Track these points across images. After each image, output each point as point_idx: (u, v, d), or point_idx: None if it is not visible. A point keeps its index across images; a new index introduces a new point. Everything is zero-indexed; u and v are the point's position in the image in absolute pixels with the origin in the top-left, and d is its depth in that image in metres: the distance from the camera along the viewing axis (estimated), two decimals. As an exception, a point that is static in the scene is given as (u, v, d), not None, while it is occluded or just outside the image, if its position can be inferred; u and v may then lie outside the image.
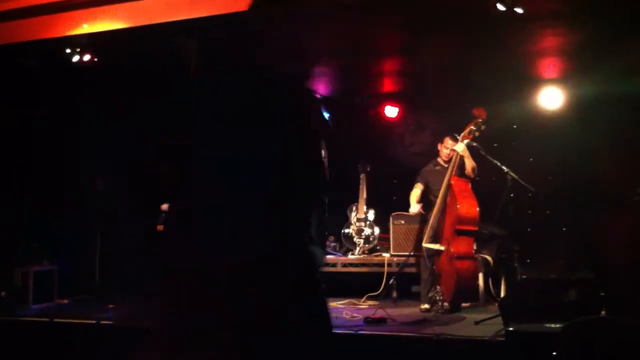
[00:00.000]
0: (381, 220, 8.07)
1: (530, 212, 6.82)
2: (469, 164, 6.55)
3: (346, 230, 8.08)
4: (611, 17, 5.91)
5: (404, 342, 5.00)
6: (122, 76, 6.81)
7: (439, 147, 6.92)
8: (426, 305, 6.52)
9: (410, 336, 5.09)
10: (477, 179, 6.60)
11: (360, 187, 8.16)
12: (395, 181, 8.19)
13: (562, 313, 4.31)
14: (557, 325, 3.95)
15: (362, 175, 8.19)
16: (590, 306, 4.39)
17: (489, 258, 6.92)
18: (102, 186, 7.94)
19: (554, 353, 3.47)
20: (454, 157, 6.57)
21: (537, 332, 4.00)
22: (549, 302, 4.58)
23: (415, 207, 6.94)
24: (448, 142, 6.79)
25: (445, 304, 6.34)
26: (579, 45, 6.65)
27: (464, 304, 6.61)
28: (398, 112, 8.63)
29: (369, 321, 5.81)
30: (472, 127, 6.54)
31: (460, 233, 6.38)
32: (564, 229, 6.86)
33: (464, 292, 6.44)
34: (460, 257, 6.32)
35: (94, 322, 5.95)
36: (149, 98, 7.26)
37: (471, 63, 7.00)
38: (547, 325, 4.04)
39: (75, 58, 6.72)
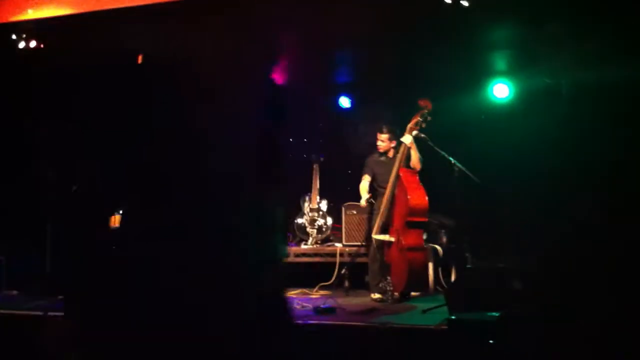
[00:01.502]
0: (334, 211, 8.11)
1: (477, 203, 6.90)
2: (415, 155, 6.60)
3: (299, 221, 8.09)
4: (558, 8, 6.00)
5: (350, 331, 5.04)
6: (69, 64, 6.70)
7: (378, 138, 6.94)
8: (377, 295, 6.57)
9: (356, 325, 5.13)
10: (422, 170, 6.65)
11: (313, 177, 8.18)
12: (349, 171, 8.21)
13: (505, 302, 4.38)
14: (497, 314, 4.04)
15: (315, 166, 8.21)
16: (531, 295, 4.47)
17: (438, 248, 7.00)
18: (54, 177, 7.80)
19: (491, 341, 3.53)
20: (401, 149, 6.61)
21: (478, 320, 4.06)
22: (492, 291, 4.65)
23: (365, 198, 6.97)
24: (381, 135, 6.84)
25: (396, 293, 6.41)
26: (528, 37, 6.74)
27: (414, 293, 6.68)
28: (351, 103, 8.67)
29: (318, 311, 5.84)
30: (418, 118, 6.57)
31: (410, 225, 6.42)
32: (513, 220, 6.96)
33: (415, 282, 6.50)
34: (411, 249, 6.37)
35: (41, 313, 5.85)
36: (95, 88, 7.22)
37: (422, 55, 7.05)
38: (489, 314, 4.10)
39: (21, 44, 6.60)
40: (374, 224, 6.71)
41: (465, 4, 5.33)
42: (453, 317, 4.39)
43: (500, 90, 7.69)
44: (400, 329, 4.90)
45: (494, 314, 4.05)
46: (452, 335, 4.25)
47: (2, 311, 5.95)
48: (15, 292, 7.38)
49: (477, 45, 7.04)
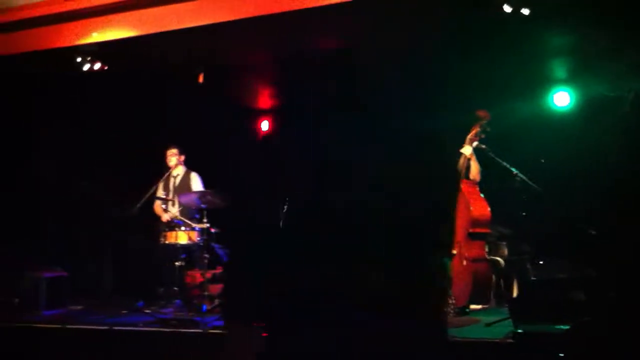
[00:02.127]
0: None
1: (538, 213, 6.77)
2: (475, 166, 6.52)
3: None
4: (617, 15, 5.89)
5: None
6: (131, 83, 6.89)
7: None
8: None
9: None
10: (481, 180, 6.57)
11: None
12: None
13: (571, 314, 4.29)
14: (565, 326, 3.95)
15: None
16: (598, 306, 4.36)
17: (499, 260, 6.89)
18: (115, 194, 8.00)
19: (561, 355, 3.46)
20: (461, 160, 6.54)
21: (545, 333, 3.98)
22: (558, 303, 4.56)
23: None
24: None
25: (457, 306, 6.32)
26: (586, 44, 6.63)
27: (475, 306, 6.58)
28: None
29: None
30: (477, 129, 6.51)
31: (473, 236, 6.34)
32: (575, 229, 6.80)
33: (478, 294, 6.40)
34: (475, 260, 6.28)
35: (106, 328, 5.98)
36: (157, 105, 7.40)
37: (482, 64, 6.98)
38: (556, 326, 4.02)
39: (86, 67, 6.80)
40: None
41: (526, 12, 5.26)
42: (519, 331, 4.31)
43: (561, 99, 7.56)
44: (464, 342, 4.81)
45: (561, 326, 3.97)
46: (519, 349, 4.17)
47: (70, 326, 6.08)
48: (79, 307, 7.54)
49: (537, 53, 6.94)
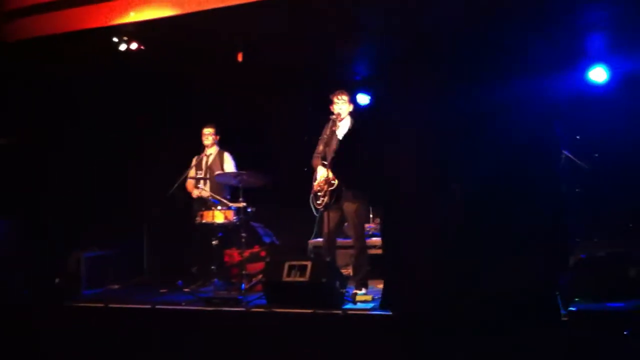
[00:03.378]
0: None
1: (578, 189, 6.71)
2: None
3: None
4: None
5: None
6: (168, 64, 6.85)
7: None
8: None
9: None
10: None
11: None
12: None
13: (625, 291, 4.27)
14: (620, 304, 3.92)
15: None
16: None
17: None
18: (150, 174, 8.02)
19: (625, 332, 3.43)
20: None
21: (606, 311, 3.95)
22: (610, 280, 4.53)
23: None
24: None
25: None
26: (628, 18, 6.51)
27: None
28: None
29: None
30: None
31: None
32: (616, 206, 6.75)
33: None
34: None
35: (149, 307, 6.01)
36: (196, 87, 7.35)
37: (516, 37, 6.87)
38: (613, 304, 3.99)
39: (122, 47, 6.77)
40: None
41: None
42: (574, 309, 4.28)
43: (598, 75, 7.46)
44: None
45: (619, 303, 3.94)
46: (575, 326, 4.14)
47: (113, 305, 6.12)
48: (117, 286, 7.60)
49: (574, 27, 6.82)
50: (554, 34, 6.88)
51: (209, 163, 7.45)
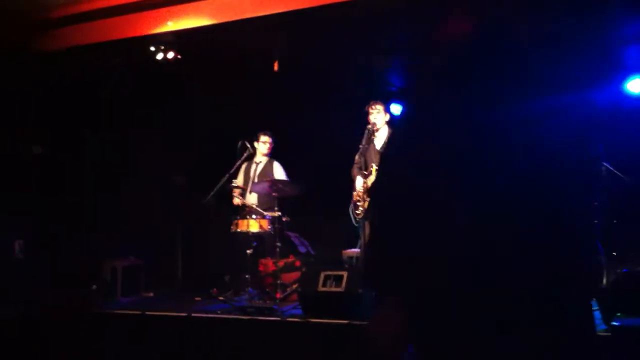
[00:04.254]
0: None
1: (623, 204, 6.58)
2: None
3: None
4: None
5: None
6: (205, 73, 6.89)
7: None
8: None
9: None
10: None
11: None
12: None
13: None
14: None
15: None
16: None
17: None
18: (183, 183, 8.06)
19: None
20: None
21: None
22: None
23: None
24: None
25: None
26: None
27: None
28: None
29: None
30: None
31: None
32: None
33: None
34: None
35: (185, 315, 6.03)
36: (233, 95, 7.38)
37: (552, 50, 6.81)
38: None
39: (159, 56, 6.84)
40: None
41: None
42: (617, 324, 4.21)
43: (636, 86, 7.36)
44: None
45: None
46: (618, 342, 4.08)
47: (150, 312, 6.15)
48: (151, 294, 7.65)
49: (612, 39, 6.73)
50: (590, 49, 6.82)
51: (257, 171, 7.40)
